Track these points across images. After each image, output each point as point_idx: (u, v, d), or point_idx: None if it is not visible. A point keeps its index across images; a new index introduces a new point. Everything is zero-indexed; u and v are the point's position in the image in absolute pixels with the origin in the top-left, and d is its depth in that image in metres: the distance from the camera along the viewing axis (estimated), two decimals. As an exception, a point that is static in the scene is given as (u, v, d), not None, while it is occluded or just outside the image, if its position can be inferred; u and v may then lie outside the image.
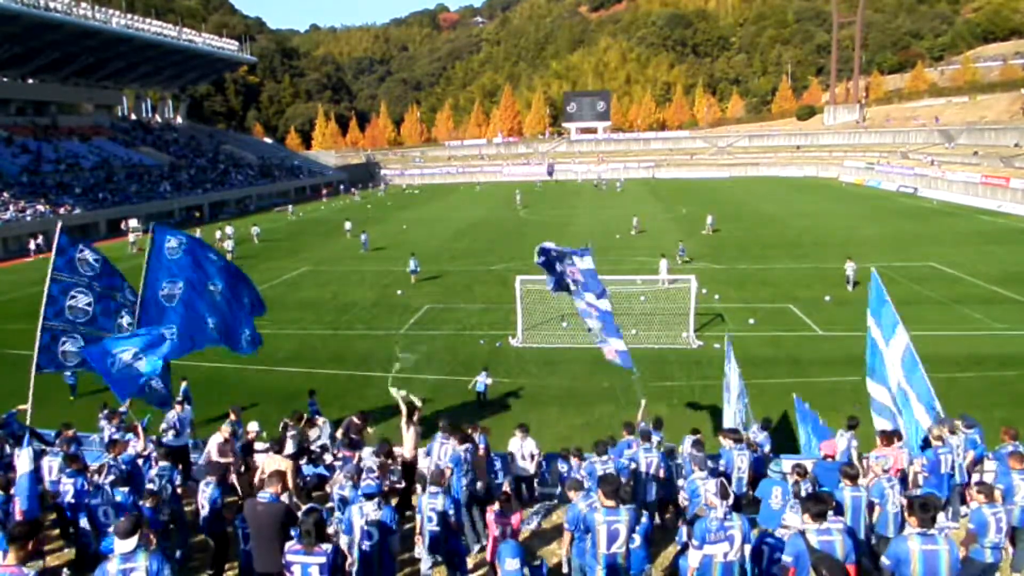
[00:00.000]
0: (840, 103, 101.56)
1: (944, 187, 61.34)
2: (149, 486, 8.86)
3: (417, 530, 8.11)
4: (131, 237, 45.46)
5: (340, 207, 69.51)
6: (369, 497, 7.22)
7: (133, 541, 5.57)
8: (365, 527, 7.07)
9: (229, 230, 43.68)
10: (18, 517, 8.43)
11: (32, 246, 45.06)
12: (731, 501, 7.05)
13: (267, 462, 9.59)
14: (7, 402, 12.92)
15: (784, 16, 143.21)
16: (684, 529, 7.80)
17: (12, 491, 8.79)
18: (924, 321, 22.18)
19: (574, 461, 10.04)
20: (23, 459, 8.88)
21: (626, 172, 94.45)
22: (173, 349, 10.96)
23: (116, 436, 11.06)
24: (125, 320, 12.19)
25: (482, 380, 16.40)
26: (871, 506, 8.17)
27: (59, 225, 12.67)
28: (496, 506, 8.08)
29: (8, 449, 10.89)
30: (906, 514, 6.30)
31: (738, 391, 12.01)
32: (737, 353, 19.75)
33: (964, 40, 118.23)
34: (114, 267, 12.76)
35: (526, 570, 6.45)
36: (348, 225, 47.31)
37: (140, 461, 10.17)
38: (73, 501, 8.80)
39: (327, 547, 6.30)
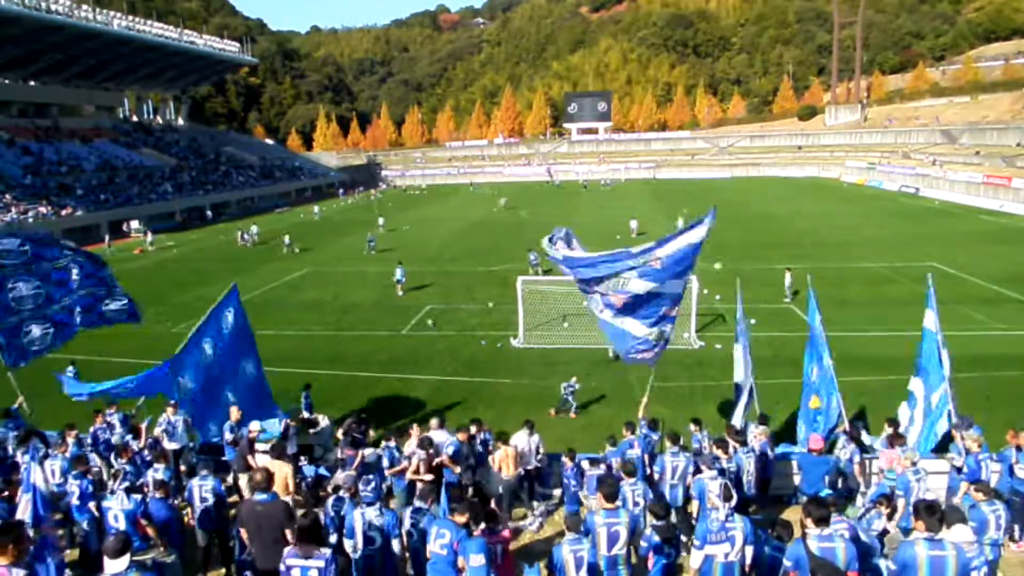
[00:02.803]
0: (841, 103, 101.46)
1: (946, 187, 61.25)
2: (150, 479, 8.91)
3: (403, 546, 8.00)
4: (107, 241, 46.19)
5: (347, 207, 69.57)
6: (370, 503, 7.21)
7: (124, 561, 5.33)
8: (367, 532, 7.07)
9: (288, 235, 45.52)
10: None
11: None
12: (733, 503, 7.04)
13: (266, 464, 9.59)
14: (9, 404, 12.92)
15: (785, 16, 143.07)
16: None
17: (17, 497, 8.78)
18: (926, 321, 22.14)
19: (568, 462, 10.09)
20: (34, 474, 8.80)
21: (627, 172, 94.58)
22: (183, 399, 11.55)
23: (127, 439, 11.10)
24: (74, 272, 12.06)
25: (569, 387, 16.16)
26: (891, 499, 8.10)
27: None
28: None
29: (11, 450, 10.89)
30: (913, 518, 6.24)
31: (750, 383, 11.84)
32: (738, 353, 19.81)
33: (966, 40, 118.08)
34: (46, 239, 12.49)
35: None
36: (381, 221, 50.00)
37: (138, 460, 10.20)
38: (78, 503, 8.82)
39: (326, 551, 6.28)
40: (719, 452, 9.29)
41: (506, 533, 7.43)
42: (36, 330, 11.67)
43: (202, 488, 8.63)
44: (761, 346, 20.59)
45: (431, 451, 9.85)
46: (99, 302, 12.30)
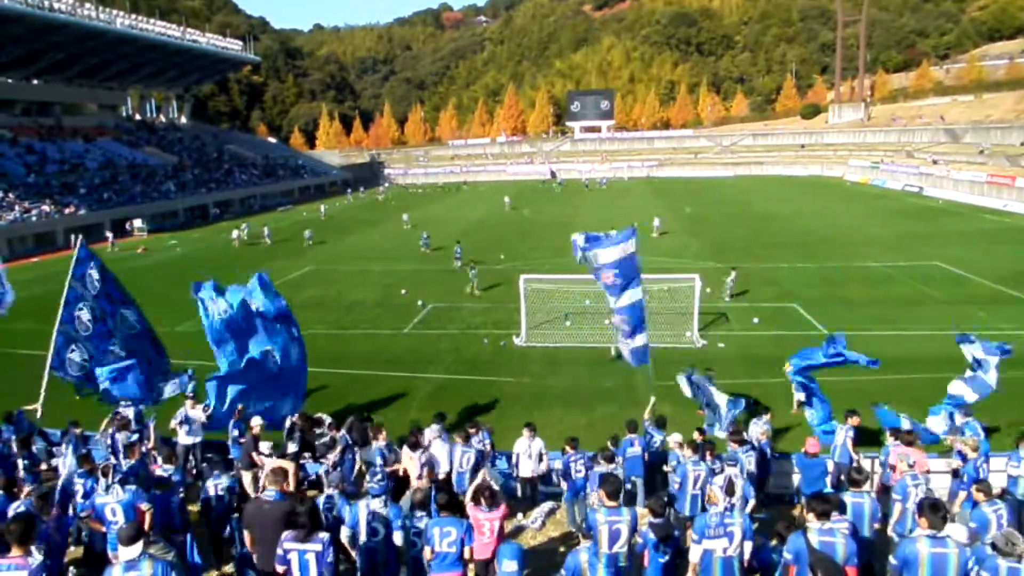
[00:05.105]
0: (845, 102, 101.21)
1: (950, 186, 61.09)
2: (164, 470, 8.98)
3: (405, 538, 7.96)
4: (111, 240, 46.37)
5: (352, 205, 69.70)
6: (376, 495, 7.25)
7: (137, 548, 5.53)
8: (371, 523, 7.11)
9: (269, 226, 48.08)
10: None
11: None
12: (735, 499, 7.05)
13: (270, 464, 9.62)
14: (15, 402, 12.97)
15: (788, 14, 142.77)
16: None
17: (17, 491, 8.84)
18: (929, 321, 22.12)
19: (569, 451, 10.18)
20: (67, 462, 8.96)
21: (630, 171, 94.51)
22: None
23: (132, 440, 11.15)
24: (115, 348, 12.84)
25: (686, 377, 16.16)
26: (886, 504, 8.10)
27: (80, 238, 13.32)
28: (470, 496, 7.85)
29: (15, 449, 10.94)
30: (916, 515, 6.25)
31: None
32: (741, 352, 19.84)
33: (970, 38, 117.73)
34: (112, 288, 13.16)
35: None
36: (405, 217, 50.95)
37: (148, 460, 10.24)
38: (82, 500, 8.87)
39: (323, 535, 6.31)
40: (688, 452, 9.33)
41: (500, 514, 7.52)
42: (76, 356, 12.32)
43: (217, 487, 8.73)
44: (765, 344, 20.61)
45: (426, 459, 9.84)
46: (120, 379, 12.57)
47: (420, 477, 9.36)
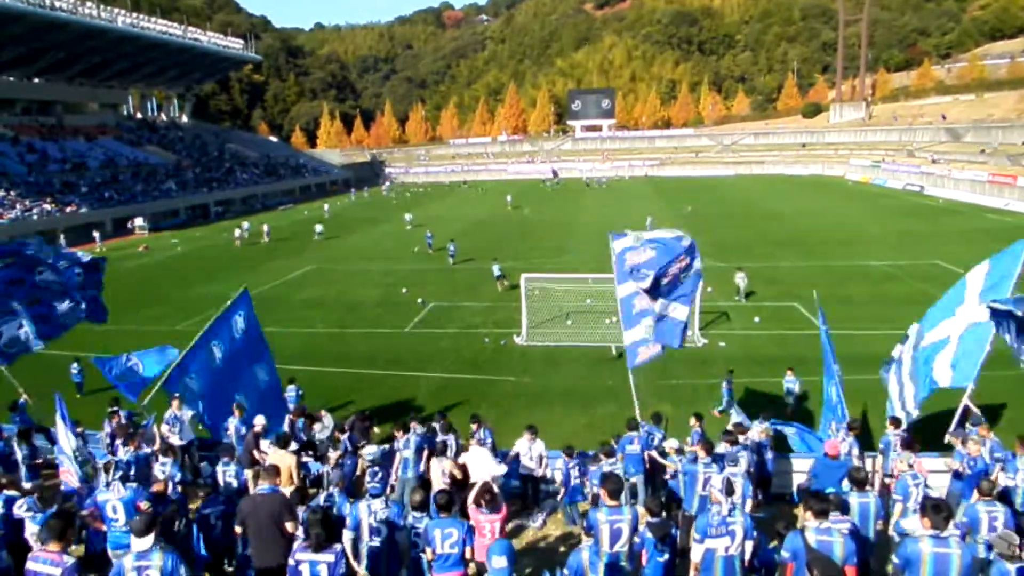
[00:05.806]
0: (846, 101, 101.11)
1: (951, 185, 61.05)
2: (157, 473, 9.02)
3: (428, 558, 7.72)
4: (98, 239, 46.32)
5: (353, 204, 69.72)
6: (376, 495, 7.25)
7: (149, 539, 5.66)
8: (373, 524, 7.11)
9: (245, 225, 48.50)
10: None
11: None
12: (735, 498, 7.05)
13: (271, 457, 9.63)
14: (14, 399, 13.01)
15: (790, 13, 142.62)
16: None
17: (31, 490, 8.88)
18: (930, 320, 22.10)
19: (567, 459, 10.20)
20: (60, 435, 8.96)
21: (631, 170, 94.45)
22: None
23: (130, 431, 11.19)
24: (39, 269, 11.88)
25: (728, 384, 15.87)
26: (890, 503, 8.09)
27: None
28: (472, 499, 7.79)
29: (16, 447, 10.95)
30: (919, 515, 6.22)
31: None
32: (742, 352, 19.85)
33: (971, 37, 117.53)
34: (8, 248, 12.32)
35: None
36: (408, 216, 50.89)
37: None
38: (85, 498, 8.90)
39: (337, 545, 6.31)
40: (701, 451, 9.26)
41: (501, 516, 7.50)
42: (7, 330, 11.42)
43: (225, 473, 8.72)
44: (765, 344, 20.61)
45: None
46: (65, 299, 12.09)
47: (446, 480, 9.27)
